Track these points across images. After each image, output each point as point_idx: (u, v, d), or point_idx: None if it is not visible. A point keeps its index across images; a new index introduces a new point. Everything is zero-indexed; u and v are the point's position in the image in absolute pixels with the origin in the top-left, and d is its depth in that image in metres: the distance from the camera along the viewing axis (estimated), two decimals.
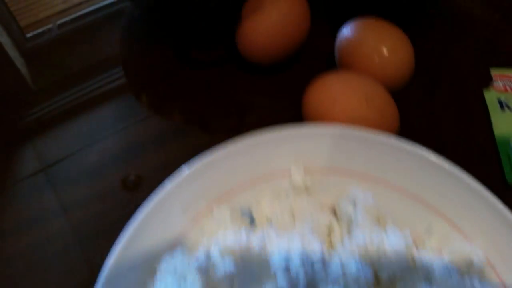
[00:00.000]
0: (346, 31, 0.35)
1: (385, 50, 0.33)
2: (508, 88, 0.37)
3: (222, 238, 0.23)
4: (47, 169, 0.32)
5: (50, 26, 0.40)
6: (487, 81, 0.37)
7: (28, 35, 0.40)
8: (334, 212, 0.27)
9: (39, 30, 0.40)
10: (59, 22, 0.40)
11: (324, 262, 0.22)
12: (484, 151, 0.33)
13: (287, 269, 0.22)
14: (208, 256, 0.22)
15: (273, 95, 0.37)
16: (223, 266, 0.22)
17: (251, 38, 0.35)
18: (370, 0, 0.39)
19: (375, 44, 0.33)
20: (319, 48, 0.38)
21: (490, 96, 0.36)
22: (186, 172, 0.26)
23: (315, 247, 0.22)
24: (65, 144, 0.33)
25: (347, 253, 0.23)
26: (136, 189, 0.32)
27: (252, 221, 0.27)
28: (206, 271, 0.22)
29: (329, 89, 0.31)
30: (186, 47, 0.39)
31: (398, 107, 0.31)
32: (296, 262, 0.22)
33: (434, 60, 0.39)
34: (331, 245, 0.25)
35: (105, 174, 0.32)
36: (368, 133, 0.28)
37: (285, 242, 0.23)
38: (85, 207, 0.31)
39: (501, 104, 0.36)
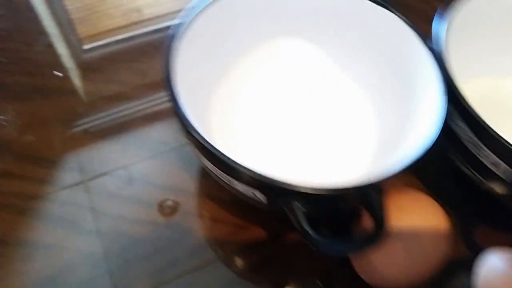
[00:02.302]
0: (490, 270, 0.26)
1: None
2: None
3: None
4: (87, 182, 0.32)
5: (108, 40, 0.41)
6: None
7: (86, 47, 0.40)
8: None
9: (97, 44, 0.41)
10: (118, 37, 0.41)
11: None
12: None
13: None
14: None
15: None
16: None
17: (372, 267, 0.27)
18: None
19: None
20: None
21: None
22: None
23: None
24: (108, 159, 0.34)
25: None
26: (173, 214, 0.31)
27: None
28: None
29: None
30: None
31: None
32: None
33: None
34: None
35: (143, 196, 0.32)
36: None
37: None
38: (119, 228, 0.30)
39: None
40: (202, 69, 0.31)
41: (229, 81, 0.35)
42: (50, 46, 0.40)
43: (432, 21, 0.32)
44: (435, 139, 0.26)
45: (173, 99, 0.25)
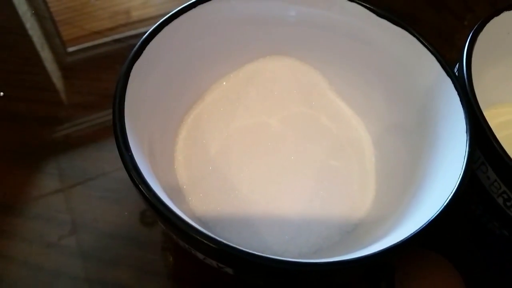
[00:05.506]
0: None
1: None
2: None
3: None
4: (66, 189, 0.31)
5: (93, 42, 0.40)
6: None
7: (70, 49, 0.39)
8: None
9: (81, 46, 0.39)
10: (103, 40, 0.40)
11: None
12: None
13: None
14: None
15: None
16: None
17: None
18: None
19: None
20: None
21: None
22: None
23: None
24: (90, 166, 0.32)
25: None
26: (154, 225, 0.30)
27: None
28: None
29: None
30: None
31: None
32: None
33: None
34: None
35: (125, 204, 0.31)
36: None
37: None
38: (99, 236, 0.29)
39: None
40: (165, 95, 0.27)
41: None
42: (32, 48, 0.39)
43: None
44: (458, 193, 0.20)
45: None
